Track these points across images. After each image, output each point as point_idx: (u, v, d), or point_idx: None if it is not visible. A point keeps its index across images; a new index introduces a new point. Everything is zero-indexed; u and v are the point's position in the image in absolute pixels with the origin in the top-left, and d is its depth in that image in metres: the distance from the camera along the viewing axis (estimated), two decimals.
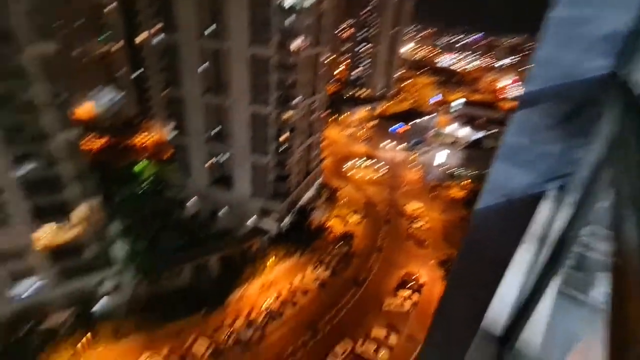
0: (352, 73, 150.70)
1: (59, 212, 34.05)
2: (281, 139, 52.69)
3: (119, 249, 44.05)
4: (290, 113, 52.21)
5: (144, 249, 45.68)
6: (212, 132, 55.12)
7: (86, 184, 35.83)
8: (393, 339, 41.80)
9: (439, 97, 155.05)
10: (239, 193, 56.27)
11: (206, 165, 56.92)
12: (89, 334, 36.53)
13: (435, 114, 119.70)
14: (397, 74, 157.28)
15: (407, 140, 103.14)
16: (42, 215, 33.42)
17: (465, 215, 63.73)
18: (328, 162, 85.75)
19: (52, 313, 36.30)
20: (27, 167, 32.05)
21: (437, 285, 50.75)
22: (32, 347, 33.12)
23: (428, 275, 52.86)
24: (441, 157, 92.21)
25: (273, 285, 48.61)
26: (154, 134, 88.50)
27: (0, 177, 30.28)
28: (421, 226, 65.93)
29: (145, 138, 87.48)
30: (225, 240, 52.97)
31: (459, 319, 3.46)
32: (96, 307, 38.96)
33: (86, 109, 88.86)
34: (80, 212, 35.65)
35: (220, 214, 58.63)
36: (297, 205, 59.13)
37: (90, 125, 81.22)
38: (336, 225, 63.54)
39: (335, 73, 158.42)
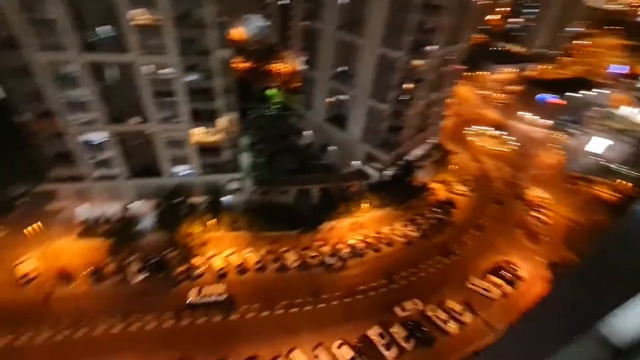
0: (509, 22, 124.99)
1: (209, 118, 41.79)
2: (404, 87, 50.22)
3: (245, 159, 52.33)
4: (421, 61, 48.47)
5: (263, 163, 53.30)
6: (338, 70, 56.10)
7: (230, 99, 42.35)
8: (467, 317, 40.56)
9: (624, 69, 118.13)
10: (350, 134, 57.95)
11: (326, 101, 59.48)
12: (214, 219, 46.57)
13: (610, 89, 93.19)
14: (571, 29, 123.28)
15: (555, 116, 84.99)
16: (197, 118, 41.63)
17: (603, 220, 51.95)
18: (450, 121, 78.68)
19: (194, 195, 47.12)
20: (192, 77, 39.43)
21: (536, 285, 45.16)
22: (180, 214, 44.51)
23: (529, 272, 47.16)
24: (598, 145, 73.67)
25: (362, 228, 51.31)
26: (289, 63, 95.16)
27: (175, 83, 38.27)
28: (540, 218, 57.13)
29: (280, 66, 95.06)
30: (330, 175, 56.91)
31: (561, 318, 3.24)
32: (223, 201, 48.62)
33: (238, 32, 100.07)
34: (223, 121, 42.97)
35: (330, 149, 62.28)
36: (404, 159, 57.85)
37: (239, 48, 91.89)
38: (439, 190, 60.49)
39: (486, 20, 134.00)
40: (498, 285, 44.65)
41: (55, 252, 41.54)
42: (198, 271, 41.73)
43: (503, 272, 46.58)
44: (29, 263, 39.39)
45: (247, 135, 57.81)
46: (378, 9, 45.90)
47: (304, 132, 65.41)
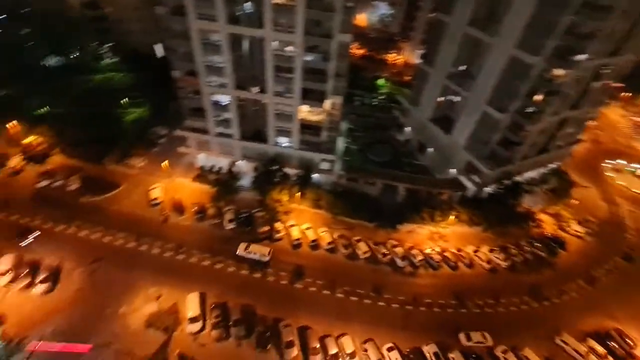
0: None
1: (317, 98, 44.02)
2: (534, 98, 43.76)
3: (340, 143, 53.83)
4: (563, 71, 41.26)
5: (356, 151, 54.07)
6: (457, 69, 51.95)
7: (340, 83, 43.61)
8: None
9: None
10: (454, 139, 53.77)
11: (436, 100, 56.07)
12: (300, 192, 49.70)
13: None
14: None
15: None
16: (306, 97, 44.26)
17: None
18: (584, 147, 65.98)
19: (288, 166, 50.96)
20: (310, 57, 41.77)
21: None
22: (273, 180, 48.87)
23: None
24: None
25: (442, 240, 48.15)
26: (404, 55, 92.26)
27: (294, 61, 41.12)
28: None
29: (395, 57, 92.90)
30: (422, 177, 54.42)
31: None
32: (312, 177, 51.38)
33: (360, 18, 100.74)
34: (328, 103, 44.78)
35: (428, 150, 59.23)
36: (512, 179, 51.21)
37: (359, 34, 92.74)
38: (547, 224, 52.08)
39: None
40: (599, 355, 37.07)
41: (176, 187, 50.58)
42: (277, 235, 45.67)
43: (611, 342, 38.36)
44: (158, 190, 49.02)
45: (348, 121, 59.03)
46: (522, 4, 40.36)
47: (405, 128, 63.39)
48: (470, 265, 45.57)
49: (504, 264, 45.81)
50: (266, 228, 45.98)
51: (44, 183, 48.15)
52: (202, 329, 35.48)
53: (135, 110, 62.54)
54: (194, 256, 42.45)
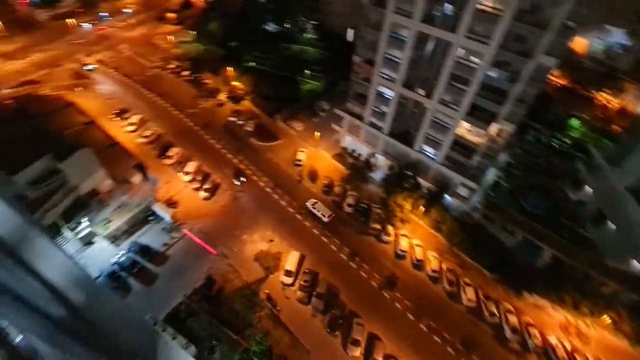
0: None
1: (484, 119, 39.71)
2: None
3: (490, 174, 47.58)
4: None
5: (507, 190, 46.82)
6: None
7: (519, 109, 37.73)
8: None
9: None
10: None
11: None
12: (424, 207, 47.00)
13: None
14: None
15: None
16: (472, 113, 40.45)
17: None
18: None
19: (423, 177, 48.86)
20: (496, 73, 37.44)
21: None
22: (403, 185, 47.98)
23: None
24: None
25: (579, 338, 37.64)
26: (623, 99, 71.19)
27: (475, 73, 37.80)
28: None
29: (609, 99, 72.92)
30: (585, 252, 42.87)
31: None
32: (444, 197, 47.88)
33: (579, 42, 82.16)
34: (495, 127, 39.79)
35: (609, 226, 45.84)
36: None
37: (567, 60, 76.44)
38: None
39: None
40: None
41: (318, 158, 56.11)
42: (386, 237, 45.36)
43: None
44: (303, 155, 55.62)
45: (510, 154, 51.12)
46: None
47: (584, 187, 50.24)
48: None
49: None
50: (378, 226, 46.19)
51: (232, 119, 61.54)
52: (292, 284, 39.70)
53: (312, 82, 71.15)
54: (310, 221, 46.95)
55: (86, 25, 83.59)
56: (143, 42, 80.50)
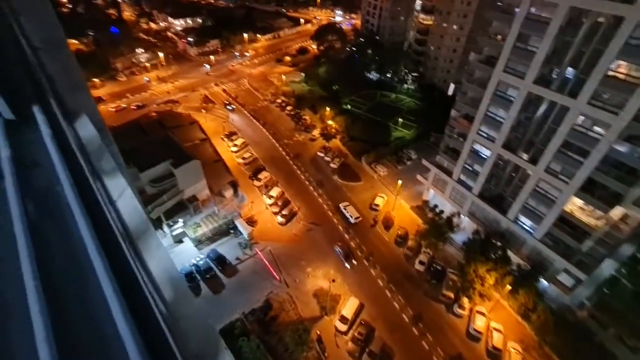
0: None
1: (605, 199, 33.29)
2: None
3: (608, 267, 38.68)
4: None
5: (630, 291, 37.24)
6: None
7: None
8: None
9: None
10: None
11: None
12: (511, 287, 40.04)
13: None
14: None
15: None
16: (587, 189, 34.25)
17: None
18: None
19: (515, 250, 42.53)
20: (624, 147, 31.56)
21: None
22: (488, 255, 42.02)
23: None
24: None
25: None
26: None
27: (596, 145, 32.54)
28: None
29: None
30: None
31: None
32: (538, 281, 40.49)
33: None
34: (619, 211, 32.98)
35: None
36: None
37: None
38: None
39: None
40: None
41: (396, 206, 54.42)
42: (459, 310, 40.22)
43: None
44: (381, 200, 54.74)
45: (638, 245, 41.02)
46: None
47: None
48: None
49: None
50: (451, 294, 41.40)
51: (320, 154, 64.95)
52: (345, 332, 37.78)
53: (404, 130, 71.13)
54: (376, 270, 44.91)
55: (221, 61, 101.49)
56: (260, 79, 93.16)
